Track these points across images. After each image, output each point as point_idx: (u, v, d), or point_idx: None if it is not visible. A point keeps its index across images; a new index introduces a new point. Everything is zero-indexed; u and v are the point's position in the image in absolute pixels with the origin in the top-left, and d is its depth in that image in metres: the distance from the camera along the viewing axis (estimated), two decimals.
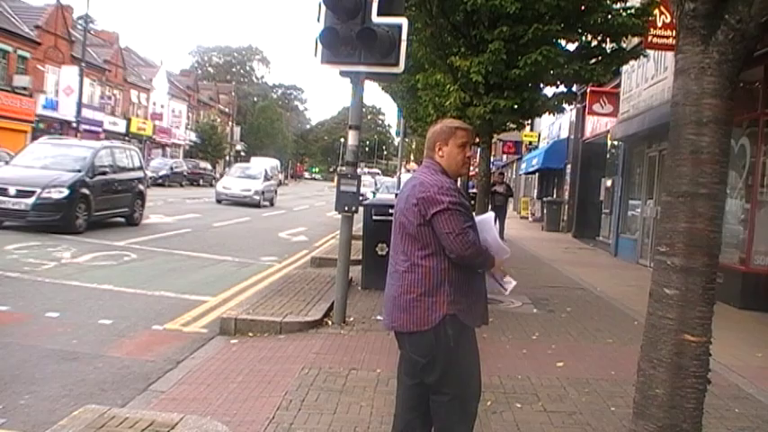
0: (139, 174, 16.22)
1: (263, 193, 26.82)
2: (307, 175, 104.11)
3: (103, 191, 14.01)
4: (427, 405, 3.21)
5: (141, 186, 15.98)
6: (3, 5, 34.06)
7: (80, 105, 32.59)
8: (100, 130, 39.60)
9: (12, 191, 12.34)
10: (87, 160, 13.81)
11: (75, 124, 32.09)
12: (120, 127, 44.70)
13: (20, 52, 33.66)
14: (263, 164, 34.90)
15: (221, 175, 35.80)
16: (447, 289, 3.05)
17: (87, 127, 35.20)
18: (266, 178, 28.28)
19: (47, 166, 13.51)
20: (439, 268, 3.05)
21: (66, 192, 12.63)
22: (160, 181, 35.77)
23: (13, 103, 32.14)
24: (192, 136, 60.18)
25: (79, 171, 13.41)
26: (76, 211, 12.85)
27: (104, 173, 14.22)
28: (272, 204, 28.09)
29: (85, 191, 13.22)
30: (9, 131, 30.47)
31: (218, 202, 25.89)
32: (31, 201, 12.31)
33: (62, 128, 34.35)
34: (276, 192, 30.29)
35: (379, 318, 7.19)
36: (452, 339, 3.05)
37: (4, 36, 32.44)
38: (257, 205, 25.69)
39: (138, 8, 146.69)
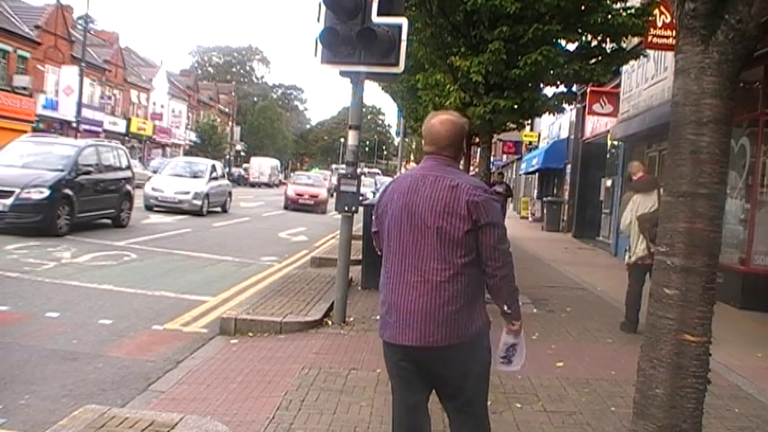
0: (127, 173, 15.40)
1: (207, 196, 20.07)
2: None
3: (88, 191, 13.24)
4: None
5: (129, 187, 15.18)
6: (3, 5, 34.07)
7: (80, 105, 32.58)
8: (100, 130, 39.67)
9: None
10: (71, 159, 13.02)
11: (75, 124, 32.09)
12: (120, 127, 44.77)
13: (20, 52, 33.67)
14: (208, 160, 24.99)
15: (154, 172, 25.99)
16: (483, 295, 2.88)
17: (87, 127, 35.24)
18: (213, 177, 21.42)
19: (28, 164, 12.70)
20: (480, 276, 2.82)
21: (46, 192, 11.84)
22: None
23: (13, 103, 32.11)
24: (192, 136, 60.24)
25: (62, 170, 12.60)
26: (58, 213, 12.08)
27: (89, 172, 13.42)
28: (224, 211, 21.85)
29: (68, 191, 12.41)
30: (9, 131, 30.37)
31: (148, 208, 19.12)
32: (9, 201, 11.52)
33: (62, 128, 34.36)
34: (230, 195, 23.01)
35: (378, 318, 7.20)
36: (487, 347, 2.90)
37: (4, 36, 32.44)
38: (199, 213, 19.40)
39: (138, 8, 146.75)
